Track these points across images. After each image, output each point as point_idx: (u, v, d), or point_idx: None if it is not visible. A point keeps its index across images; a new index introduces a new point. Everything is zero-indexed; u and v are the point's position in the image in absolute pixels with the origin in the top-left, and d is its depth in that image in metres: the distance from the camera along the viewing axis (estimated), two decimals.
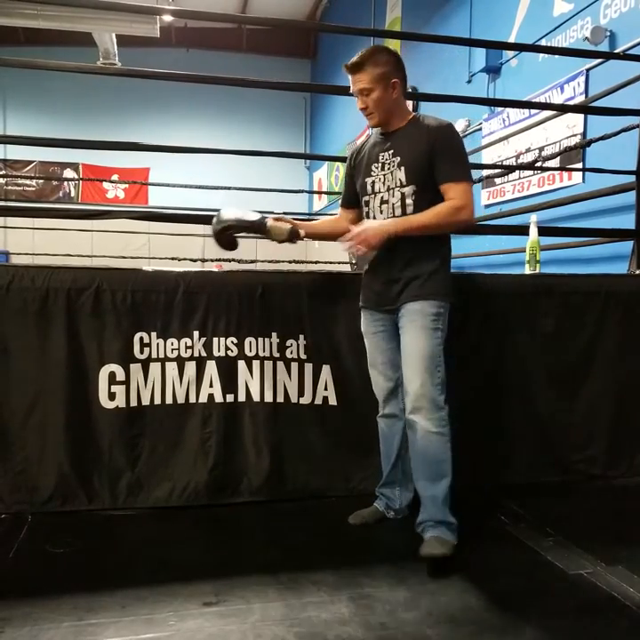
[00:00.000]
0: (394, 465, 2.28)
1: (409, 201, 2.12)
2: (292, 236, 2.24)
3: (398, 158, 2.14)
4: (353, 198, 2.33)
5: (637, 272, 3.13)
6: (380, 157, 2.19)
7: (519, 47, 5.41)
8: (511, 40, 6.11)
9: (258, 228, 2.23)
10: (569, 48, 5.15)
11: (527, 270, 2.87)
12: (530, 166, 5.32)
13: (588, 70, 5.07)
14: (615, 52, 4.60)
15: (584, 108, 4.64)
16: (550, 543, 2.11)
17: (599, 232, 3.84)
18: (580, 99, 5.11)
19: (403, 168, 2.12)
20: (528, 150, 5.71)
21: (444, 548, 1.91)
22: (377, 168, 2.19)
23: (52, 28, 8.44)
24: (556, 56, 5.20)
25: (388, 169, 2.16)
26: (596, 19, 5.05)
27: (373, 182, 2.20)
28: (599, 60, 4.81)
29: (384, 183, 2.17)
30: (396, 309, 2.14)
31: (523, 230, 2.96)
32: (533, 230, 2.89)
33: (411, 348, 2.07)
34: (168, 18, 9.80)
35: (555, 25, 5.58)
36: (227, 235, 2.19)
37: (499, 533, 2.22)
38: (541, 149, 5.52)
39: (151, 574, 1.87)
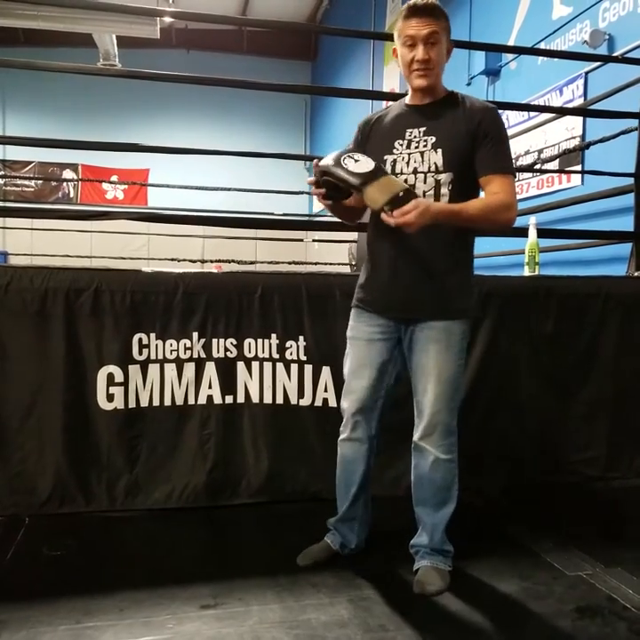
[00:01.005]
0: (355, 498, 1.98)
1: (444, 190, 1.82)
2: (398, 202, 1.66)
3: (433, 138, 1.84)
4: None
5: (636, 274, 3.13)
6: (408, 133, 1.88)
7: (518, 50, 5.41)
8: (510, 43, 6.12)
9: (350, 190, 1.76)
10: (568, 51, 5.16)
11: (526, 272, 2.87)
12: (529, 168, 5.33)
13: (586, 73, 5.08)
14: (614, 55, 4.61)
15: (583, 111, 4.65)
16: (550, 545, 2.11)
17: (598, 234, 3.84)
18: (578, 101, 5.11)
19: (439, 150, 1.82)
20: (527, 152, 5.72)
21: (438, 582, 1.80)
22: (401, 145, 1.87)
23: (52, 28, 8.43)
24: (555, 59, 5.21)
25: (417, 148, 1.85)
26: (595, 22, 5.06)
27: (395, 161, 1.87)
28: (598, 63, 4.81)
29: (409, 164, 1.85)
30: (411, 321, 1.87)
31: (522, 232, 2.97)
32: (532, 232, 2.89)
33: (432, 371, 1.84)
34: (168, 19, 9.81)
35: (554, 28, 5.59)
36: (325, 180, 1.77)
37: (498, 535, 2.22)
38: (540, 152, 5.53)
39: (149, 577, 1.86)
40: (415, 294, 1.86)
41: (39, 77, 10.68)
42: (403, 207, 1.65)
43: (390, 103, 2.05)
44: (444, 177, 1.82)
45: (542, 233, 3.06)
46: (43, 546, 2.03)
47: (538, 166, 5.13)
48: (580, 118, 5.09)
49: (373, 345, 1.93)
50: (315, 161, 1.80)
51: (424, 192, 1.83)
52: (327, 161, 1.75)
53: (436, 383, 1.84)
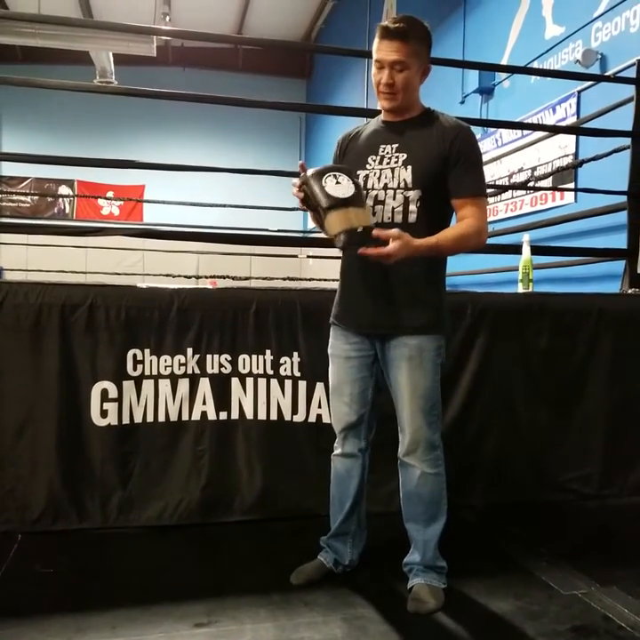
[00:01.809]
0: (348, 514, 1.98)
1: (413, 207, 1.82)
2: (356, 239, 1.67)
3: (404, 155, 1.85)
4: None
5: (629, 291, 3.15)
6: (381, 149, 1.89)
7: (511, 69, 5.49)
8: (504, 62, 6.20)
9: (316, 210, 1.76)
10: (561, 70, 5.23)
11: (520, 289, 2.89)
12: (522, 186, 5.37)
13: (579, 92, 5.14)
14: (606, 74, 4.67)
15: (576, 130, 4.70)
16: (544, 563, 2.10)
17: (591, 251, 3.87)
18: (571, 120, 5.17)
19: (409, 167, 1.83)
20: (521, 170, 5.77)
21: (432, 601, 1.79)
22: (374, 161, 1.89)
23: (50, 46, 8.51)
24: (548, 78, 5.28)
25: (388, 165, 1.86)
26: (588, 41, 5.13)
27: (366, 177, 1.88)
28: (590, 82, 4.88)
29: (380, 180, 1.86)
30: (385, 336, 1.88)
31: (516, 249, 2.98)
32: (526, 249, 2.91)
33: (407, 387, 1.85)
34: (165, 37, 9.91)
35: (547, 47, 5.67)
36: (304, 189, 1.77)
37: (493, 553, 2.20)
38: (534, 169, 5.58)
39: (142, 594, 1.85)
40: (386, 310, 1.86)
41: (36, 94, 10.75)
42: (386, 233, 1.67)
43: (370, 119, 2.07)
44: (412, 194, 1.83)
45: (536, 250, 3.08)
46: (35, 563, 2.02)
47: (531, 184, 5.17)
48: (573, 136, 5.15)
49: (350, 363, 1.94)
50: (301, 163, 1.84)
51: (393, 208, 1.84)
52: (311, 171, 1.76)
53: (411, 399, 1.85)
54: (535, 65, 5.76)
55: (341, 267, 1.98)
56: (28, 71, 9.87)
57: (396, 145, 1.88)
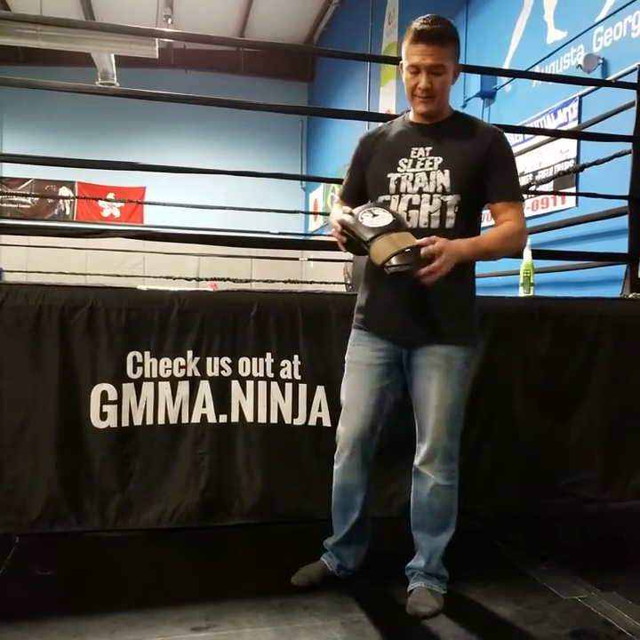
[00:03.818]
0: (355, 525, 1.93)
1: (450, 213, 1.78)
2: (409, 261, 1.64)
3: (440, 159, 1.80)
4: (360, 190, 1.95)
5: (630, 296, 3.15)
6: (413, 152, 1.83)
7: (513, 74, 5.49)
8: (505, 66, 6.21)
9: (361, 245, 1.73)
10: (562, 75, 5.23)
11: (521, 293, 2.89)
12: (524, 190, 5.37)
13: (580, 97, 5.15)
14: (608, 79, 4.68)
15: (577, 134, 4.70)
16: (545, 568, 2.09)
17: (592, 256, 3.87)
18: (573, 124, 5.18)
19: (447, 171, 1.78)
20: (522, 174, 5.77)
21: (432, 603, 1.79)
22: (406, 163, 1.82)
23: (52, 48, 8.52)
24: (550, 82, 5.28)
25: (422, 168, 1.80)
26: (589, 46, 5.14)
27: (399, 180, 1.82)
28: (592, 87, 4.88)
29: (414, 184, 1.80)
30: (412, 344, 1.83)
31: (517, 253, 2.98)
32: (527, 253, 2.91)
33: (435, 397, 1.80)
34: (167, 40, 9.93)
35: (548, 52, 5.67)
36: (344, 233, 1.76)
37: (493, 558, 2.20)
38: (535, 174, 5.58)
39: (141, 598, 1.84)
40: (417, 317, 1.81)
41: (37, 95, 10.77)
42: (429, 249, 1.65)
43: (392, 120, 2.01)
44: (450, 199, 1.78)
45: (537, 254, 3.08)
46: (33, 566, 2.01)
47: (533, 188, 5.17)
48: (575, 141, 5.15)
49: (374, 369, 1.88)
50: (339, 218, 1.77)
51: (429, 213, 1.79)
52: (346, 216, 1.75)
53: (437, 409, 1.81)
54: (537, 69, 5.77)
55: (367, 271, 1.92)
56: (29, 73, 9.88)
57: (430, 148, 1.82)
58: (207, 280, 7.05)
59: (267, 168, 5.86)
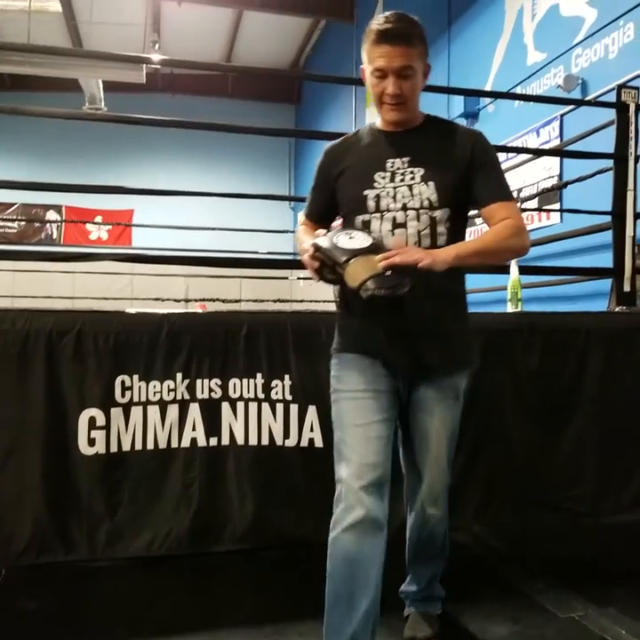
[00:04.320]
0: (366, 616, 1.43)
1: (441, 228, 1.61)
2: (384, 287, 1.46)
3: (421, 170, 1.62)
4: (327, 210, 1.78)
5: (617, 309, 3.17)
6: (389, 164, 1.65)
7: (496, 95, 5.58)
8: (488, 87, 6.31)
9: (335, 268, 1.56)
10: (543, 96, 5.33)
11: (509, 308, 2.90)
12: None
13: (562, 115, 5.24)
14: (587, 99, 4.76)
15: (560, 152, 4.77)
16: (541, 585, 2.08)
17: (578, 271, 3.90)
18: (555, 142, 5.25)
19: (431, 184, 1.61)
20: None
21: (427, 629, 1.76)
22: (383, 178, 1.64)
23: (40, 74, 8.57)
24: (532, 102, 5.37)
25: (403, 181, 1.62)
26: (568, 67, 5.24)
27: (378, 197, 1.63)
28: (572, 106, 4.97)
29: (396, 199, 1.62)
30: (416, 373, 1.66)
31: (504, 269, 3.00)
32: (514, 269, 2.93)
33: (437, 433, 1.65)
34: (155, 65, 10.01)
35: (529, 73, 5.78)
36: (317, 256, 1.57)
37: (489, 576, 2.18)
38: (520, 191, 5.64)
39: (130, 629, 1.81)
40: (417, 339, 1.62)
41: (24, 120, 10.78)
42: (406, 252, 1.48)
43: (357, 131, 1.81)
44: (439, 214, 1.61)
45: (524, 270, 3.10)
46: (19, 598, 1.97)
47: (518, 205, 5.23)
48: (557, 158, 5.22)
49: (382, 397, 1.63)
50: (313, 241, 1.59)
51: (418, 231, 1.61)
52: (319, 238, 1.58)
53: (439, 446, 1.67)
54: (518, 90, 5.87)
55: (341, 292, 1.73)
56: (16, 98, 9.92)
57: (408, 158, 1.64)
58: (196, 301, 7.04)
59: (255, 189, 5.89)
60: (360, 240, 1.55)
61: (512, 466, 2.64)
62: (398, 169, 1.65)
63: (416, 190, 1.62)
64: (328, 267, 1.55)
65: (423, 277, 1.46)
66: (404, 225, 1.62)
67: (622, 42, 4.68)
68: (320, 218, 1.80)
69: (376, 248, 1.53)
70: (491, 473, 2.61)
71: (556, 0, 5.44)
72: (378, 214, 1.64)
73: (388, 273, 1.46)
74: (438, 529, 1.80)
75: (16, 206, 12.22)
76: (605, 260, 3.44)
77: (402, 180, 1.63)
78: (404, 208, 1.62)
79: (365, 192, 1.65)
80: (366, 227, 1.64)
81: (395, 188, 1.63)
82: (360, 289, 1.47)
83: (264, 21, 10.89)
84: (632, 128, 3.28)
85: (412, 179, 1.63)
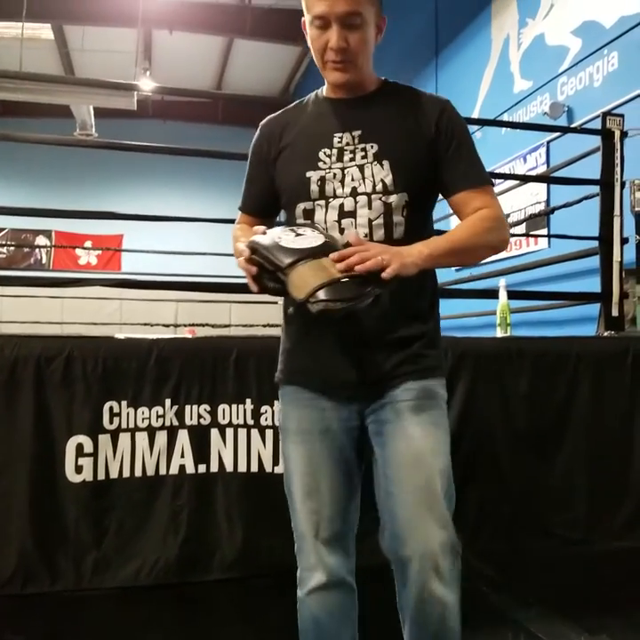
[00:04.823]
0: None
1: (398, 218, 1.32)
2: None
3: (374, 146, 1.33)
4: (267, 200, 1.48)
5: (605, 334, 3.20)
6: (336, 139, 1.36)
7: (483, 122, 5.67)
8: (475, 114, 6.42)
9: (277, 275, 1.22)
10: (530, 123, 5.42)
11: (499, 333, 2.91)
12: None
13: (548, 142, 5.32)
14: (573, 126, 4.85)
15: (547, 178, 4.84)
16: (533, 613, 2.05)
17: (566, 295, 3.93)
18: (542, 168, 5.33)
19: (386, 163, 1.32)
20: None
21: None
22: (329, 156, 1.35)
23: (31, 100, 8.62)
24: (519, 129, 5.46)
25: (353, 160, 1.34)
26: (554, 95, 5.34)
27: (322, 180, 1.34)
28: (558, 133, 5.05)
29: (344, 183, 1.33)
30: (372, 392, 1.32)
31: (493, 294, 3.02)
32: (503, 294, 2.95)
33: (420, 461, 1.24)
34: (145, 92, 10.11)
35: (516, 100, 5.89)
36: (254, 259, 1.24)
37: (481, 604, 2.15)
38: (508, 216, 5.71)
39: None
40: (377, 353, 1.32)
41: (15, 146, 10.82)
42: (358, 249, 1.17)
43: (301, 99, 1.53)
44: (395, 199, 1.31)
45: (512, 295, 3.12)
46: (5, 630, 1.92)
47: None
48: (545, 184, 5.30)
49: (331, 436, 1.34)
50: (262, 228, 1.32)
51: (370, 220, 1.32)
52: (257, 236, 1.27)
53: (426, 480, 1.23)
54: (505, 117, 5.97)
55: (292, 305, 1.40)
56: (7, 124, 9.96)
57: (358, 132, 1.35)
58: (185, 326, 7.02)
59: None
60: (310, 238, 1.23)
61: (503, 491, 2.63)
62: (347, 145, 1.36)
63: (368, 171, 1.33)
64: (269, 272, 1.22)
65: (389, 285, 1.17)
66: (352, 214, 1.33)
67: (606, 70, 4.79)
68: (260, 212, 1.52)
69: (329, 248, 1.20)
70: (482, 498, 2.60)
71: (542, 29, 5.58)
72: (322, 201, 1.35)
73: (344, 280, 1.14)
74: (450, 622, 1.23)
75: (5, 231, 12.19)
76: (593, 284, 3.47)
77: (351, 160, 1.34)
78: (354, 193, 1.33)
79: (308, 174, 1.36)
80: (309, 217, 1.36)
81: (342, 168, 1.34)
82: (308, 301, 1.13)
83: (254, 49, 11.05)
84: (617, 154, 3.34)
85: (364, 157, 1.34)
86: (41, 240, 12.43)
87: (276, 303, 9.21)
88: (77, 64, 11.51)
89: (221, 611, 2.11)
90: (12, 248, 12.29)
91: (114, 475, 2.29)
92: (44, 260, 12.61)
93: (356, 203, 1.33)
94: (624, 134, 3.38)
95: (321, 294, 1.12)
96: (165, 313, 8.85)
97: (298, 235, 1.24)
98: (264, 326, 7.36)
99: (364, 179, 1.33)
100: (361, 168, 1.34)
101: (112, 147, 3.36)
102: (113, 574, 2.24)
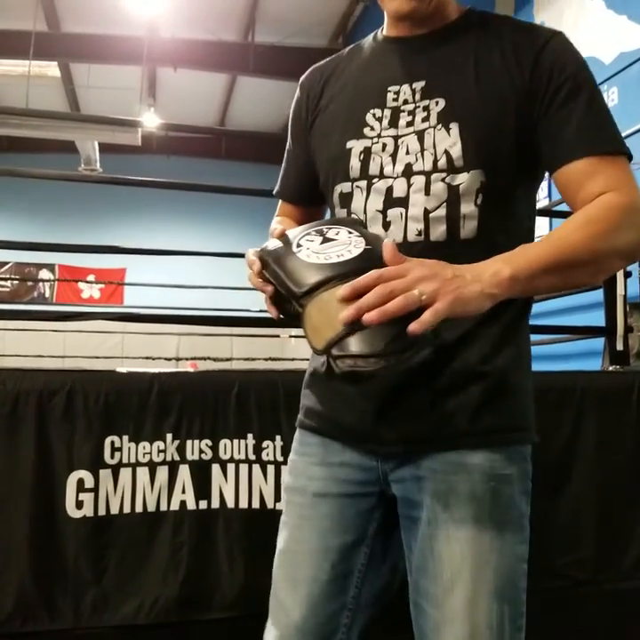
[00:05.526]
0: None
1: (468, 208, 0.93)
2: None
3: (441, 102, 0.95)
4: (309, 186, 1.14)
5: (610, 368, 3.18)
6: (391, 95, 0.99)
7: None
8: None
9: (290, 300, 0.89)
10: None
11: None
12: None
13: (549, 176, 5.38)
14: None
15: (549, 212, 4.89)
16: None
17: (571, 329, 3.93)
18: (544, 202, 5.39)
19: (455, 125, 0.94)
20: None
21: None
22: (380, 120, 0.99)
23: (37, 136, 8.77)
24: None
25: (411, 125, 0.97)
26: None
27: (366, 152, 0.98)
28: None
29: (396, 158, 0.96)
30: (408, 456, 0.96)
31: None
32: None
33: (464, 566, 0.96)
34: (150, 128, 10.29)
35: None
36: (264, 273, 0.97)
37: None
38: None
39: None
40: (418, 403, 0.94)
41: (19, 181, 10.96)
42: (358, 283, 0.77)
43: (357, 43, 1.11)
44: (466, 179, 0.93)
45: None
46: None
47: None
48: (547, 218, 5.34)
49: (329, 506, 1.02)
50: (280, 229, 0.98)
51: (426, 212, 0.94)
52: (272, 242, 0.95)
53: (472, 593, 0.95)
54: None
55: None
56: (12, 160, 10.13)
57: (421, 83, 0.97)
58: (187, 359, 7.02)
59: (246, 248, 5.96)
60: (342, 246, 0.83)
61: None
62: (405, 103, 0.97)
63: (428, 140, 0.95)
64: (285, 296, 0.89)
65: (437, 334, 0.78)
66: (404, 201, 0.94)
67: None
68: (302, 199, 1.18)
69: (371, 263, 0.80)
70: None
71: None
72: (363, 182, 0.98)
73: (388, 326, 0.73)
74: None
75: (10, 265, 12.28)
76: (596, 318, 3.47)
77: (409, 123, 0.96)
78: (408, 172, 0.95)
79: (349, 144, 1.00)
80: (345, 205, 1.00)
81: (395, 137, 0.97)
82: (329, 355, 0.78)
83: (257, 86, 11.28)
84: None
85: (425, 118, 0.96)
86: (44, 274, 12.52)
87: (277, 337, 9.23)
88: (83, 100, 11.74)
89: None
90: (16, 282, 12.36)
91: (114, 510, 2.25)
92: (47, 294, 12.69)
93: (408, 185, 0.94)
94: None
95: (351, 344, 0.74)
96: (167, 346, 8.85)
97: (326, 240, 0.86)
98: (265, 360, 7.35)
99: (423, 151, 0.94)
100: (420, 135, 0.95)
101: (116, 182, 3.40)
102: (112, 613, 2.19)
